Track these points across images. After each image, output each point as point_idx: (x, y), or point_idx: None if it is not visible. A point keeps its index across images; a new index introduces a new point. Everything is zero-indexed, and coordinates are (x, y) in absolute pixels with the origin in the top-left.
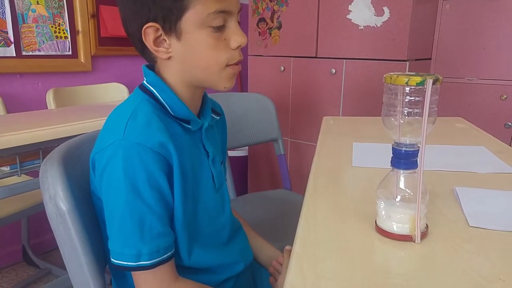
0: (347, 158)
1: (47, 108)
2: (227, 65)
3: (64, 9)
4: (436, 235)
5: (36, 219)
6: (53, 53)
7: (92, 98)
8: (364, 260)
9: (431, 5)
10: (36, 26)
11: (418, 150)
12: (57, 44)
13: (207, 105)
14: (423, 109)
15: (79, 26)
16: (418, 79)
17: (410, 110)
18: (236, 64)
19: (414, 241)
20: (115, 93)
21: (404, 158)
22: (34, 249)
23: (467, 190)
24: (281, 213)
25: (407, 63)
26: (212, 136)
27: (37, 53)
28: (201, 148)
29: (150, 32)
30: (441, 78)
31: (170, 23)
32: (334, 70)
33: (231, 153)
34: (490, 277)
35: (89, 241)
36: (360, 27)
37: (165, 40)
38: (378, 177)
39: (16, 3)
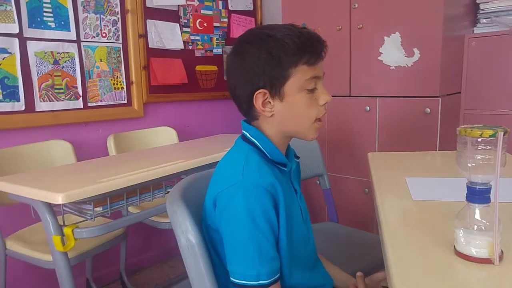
0: (405, 192)
1: (107, 151)
2: (315, 120)
3: (121, 64)
4: (511, 258)
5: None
6: (112, 102)
7: (145, 141)
8: (450, 280)
9: (458, 43)
10: (99, 80)
11: (490, 187)
12: (115, 95)
13: (291, 150)
14: (495, 154)
15: (133, 77)
16: (490, 132)
17: (483, 156)
18: (320, 120)
19: (493, 263)
20: (164, 135)
21: (478, 195)
22: (95, 282)
23: None
24: (334, 244)
25: (440, 98)
26: (296, 176)
27: (99, 103)
28: (291, 186)
29: (259, 97)
30: (508, 130)
31: (276, 88)
32: (368, 107)
33: None
34: None
35: (211, 267)
36: (391, 67)
37: (270, 102)
38: (441, 208)
39: (84, 62)
